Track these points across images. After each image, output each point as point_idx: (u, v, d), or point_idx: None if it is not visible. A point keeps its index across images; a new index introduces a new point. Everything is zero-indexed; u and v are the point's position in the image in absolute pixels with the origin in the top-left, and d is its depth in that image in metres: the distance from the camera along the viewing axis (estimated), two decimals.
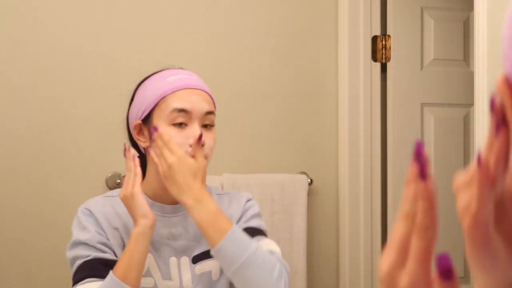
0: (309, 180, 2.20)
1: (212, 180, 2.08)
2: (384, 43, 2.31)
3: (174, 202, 1.38)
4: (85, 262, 1.28)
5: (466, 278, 2.39)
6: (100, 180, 2.07)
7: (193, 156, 1.31)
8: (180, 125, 1.32)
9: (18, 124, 2.03)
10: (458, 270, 2.40)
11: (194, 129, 1.32)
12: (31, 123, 2.03)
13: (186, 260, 1.36)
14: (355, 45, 2.26)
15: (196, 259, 1.37)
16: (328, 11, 2.29)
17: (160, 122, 1.33)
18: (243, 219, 1.42)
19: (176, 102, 1.33)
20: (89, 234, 1.31)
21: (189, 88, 1.35)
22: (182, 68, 1.43)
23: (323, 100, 2.29)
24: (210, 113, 1.36)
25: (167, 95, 1.34)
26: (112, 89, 2.08)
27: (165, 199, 1.38)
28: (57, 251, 2.01)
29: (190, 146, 1.31)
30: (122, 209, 1.39)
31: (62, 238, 2.05)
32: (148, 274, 1.34)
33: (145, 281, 1.33)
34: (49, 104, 2.05)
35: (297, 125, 2.26)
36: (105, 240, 1.32)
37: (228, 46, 2.20)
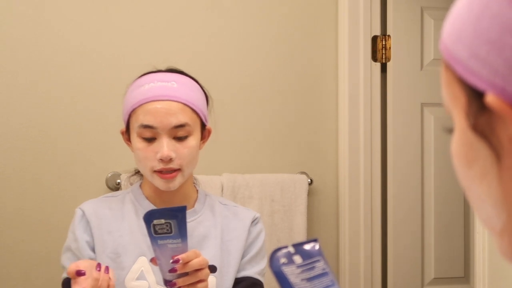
0: (309, 180, 2.20)
1: (212, 180, 2.07)
2: (384, 43, 2.31)
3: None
4: (67, 280, 1.31)
5: (466, 278, 2.39)
6: (100, 180, 2.07)
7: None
8: (150, 139, 1.31)
9: (18, 124, 2.03)
10: (458, 270, 2.39)
11: (160, 145, 1.30)
12: (31, 123, 2.03)
13: None
14: (355, 45, 2.26)
15: None
16: (328, 11, 2.29)
17: (133, 133, 1.34)
18: (249, 252, 1.41)
19: (142, 117, 1.30)
20: (76, 243, 1.34)
21: (157, 100, 1.30)
22: (168, 71, 1.40)
23: (323, 100, 2.29)
24: (181, 126, 1.31)
25: (136, 108, 1.32)
26: (112, 89, 2.08)
27: (164, 205, 1.38)
28: (57, 251, 2.01)
29: (160, 160, 1.30)
30: (120, 211, 1.39)
31: (61, 238, 2.04)
32: (142, 277, 1.33)
33: (138, 284, 1.32)
34: (49, 104, 2.05)
35: (297, 125, 2.26)
36: (90, 253, 1.33)
37: (228, 46, 2.20)
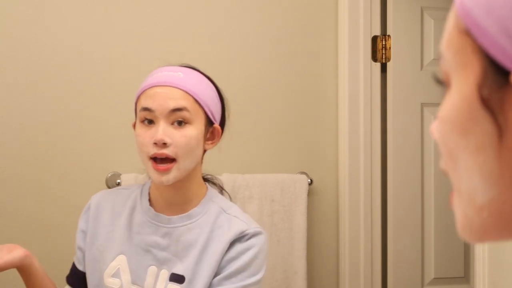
0: (309, 180, 2.20)
1: None
2: (384, 43, 2.31)
3: (170, 213, 1.36)
4: (72, 265, 1.45)
5: (466, 278, 2.39)
6: (100, 180, 2.07)
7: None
8: (150, 122, 1.29)
9: (18, 124, 2.03)
10: (458, 270, 2.39)
11: (156, 130, 1.28)
12: (31, 123, 2.03)
13: (165, 274, 1.31)
14: (355, 45, 2.26)
15: (172, 278, 1.31)
16: (328, 11, 2.29)
17: (137, 120, 1.34)
18: (227, 269, 1.30)
19: (143, 101, 1.30)
20: (77, 234, 1.43)
21: (159, 86, 1.30)
22: (181, 65, 1.39)
23: (323, 100, 2.29)
24: (179, 109, 1.28)
25: (140, 94, 1.33)
26: (112, 89, 2.08)
27: (163, 208, 1.36)
28: (57, 251, 2.01)
29: (154, 144, 1.27)
30: (122, 206, 1.39)
31: (61, 239, 2.05)
32: (117, 275, 1.33)
33: (112, 281, 1.33)
34: (49, 104, 2.05)
35: (297, 125, 2.26)
36: (80, 243, 1.41)
37: (228, 46, 2.20)
